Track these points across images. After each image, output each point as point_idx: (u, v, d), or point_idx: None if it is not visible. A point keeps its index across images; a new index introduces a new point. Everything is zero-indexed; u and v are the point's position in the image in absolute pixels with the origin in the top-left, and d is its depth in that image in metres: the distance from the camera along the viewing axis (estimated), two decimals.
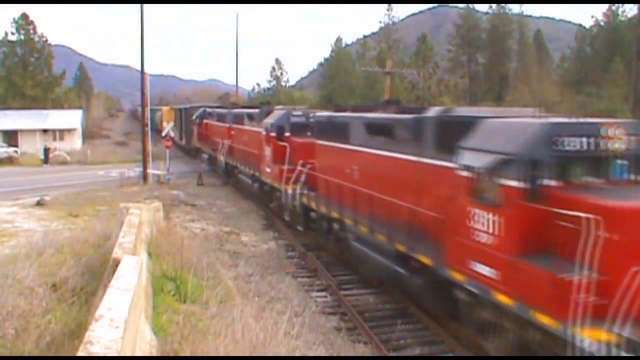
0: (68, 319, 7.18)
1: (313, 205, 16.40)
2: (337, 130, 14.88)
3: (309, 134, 18.99)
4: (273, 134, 20.06)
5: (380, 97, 43.85)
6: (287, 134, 19.67)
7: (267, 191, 21.76)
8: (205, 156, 37.11)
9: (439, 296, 10.16)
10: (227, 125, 29.35)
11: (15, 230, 16.85)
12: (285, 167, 18.60)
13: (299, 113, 20.70)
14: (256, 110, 24.22)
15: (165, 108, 69.45)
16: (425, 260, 10.21)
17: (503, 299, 8.14)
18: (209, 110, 38.35)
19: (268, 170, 20.83)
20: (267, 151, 20.73)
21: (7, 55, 61.18)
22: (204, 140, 37.67)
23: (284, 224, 20.72)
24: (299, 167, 17.68)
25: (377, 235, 12.11)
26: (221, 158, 30.07)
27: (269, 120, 20.85)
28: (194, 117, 40.76)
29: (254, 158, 23.07)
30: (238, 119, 27.48)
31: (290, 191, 17.92)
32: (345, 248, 14.60)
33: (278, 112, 21.31)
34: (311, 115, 19.79)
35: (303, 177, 17.45)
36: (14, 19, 60.94)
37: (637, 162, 8.47)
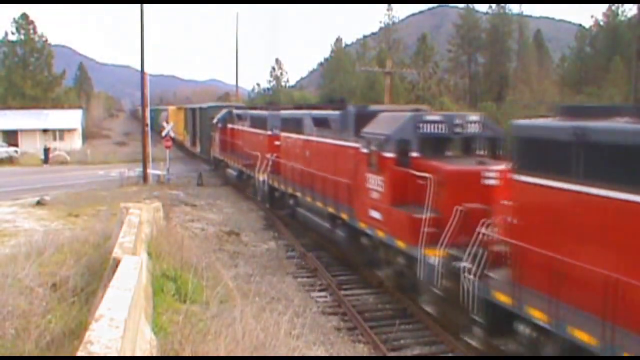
0: (68, 318, 7.17)
1: (541, 316, 7.90)
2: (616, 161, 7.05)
3: (449, 153, 12.33)
4: (389, 155, 12.05)
5: (381, 97, 43.84)
6: (415, 154, 11.95)
7: (370, 247, 13.42)
8: (232, 172, 28.36)
9: None
10: (269, 132, 22.06)
11: (15, 230, 16.85)
12: (426, 215, 10.64)
13: (436, 117, 12.30)
14: (334, 113, 15.84)
15: (171, 108, 62.49)
16: None
17: None
18: (237, 111, 29.24)
19: (376, 215, 12.58)
20: (374, 182, 12.68)
21: (7, 55, 61.30)
22: (229, 151, 29.27)
23: (284, 224, 20.65)
24: (455, 220, 10.02)
25: None
26: (261, 178, 22.17)
27: (378, 130, 12.79)
28: (215, 121, 32.08)
29: (336, 189, 14.83)
30: (291, 125, 19.33)
31: (437, 261, 10.07)
32: None
33: (392, 116, 13.09)
34: (470, 119, 12.29)
35: (476, 248, 9.25)
36: (14, 19, 61.03)
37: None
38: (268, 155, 21.69)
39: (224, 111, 31.71)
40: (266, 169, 21.83)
